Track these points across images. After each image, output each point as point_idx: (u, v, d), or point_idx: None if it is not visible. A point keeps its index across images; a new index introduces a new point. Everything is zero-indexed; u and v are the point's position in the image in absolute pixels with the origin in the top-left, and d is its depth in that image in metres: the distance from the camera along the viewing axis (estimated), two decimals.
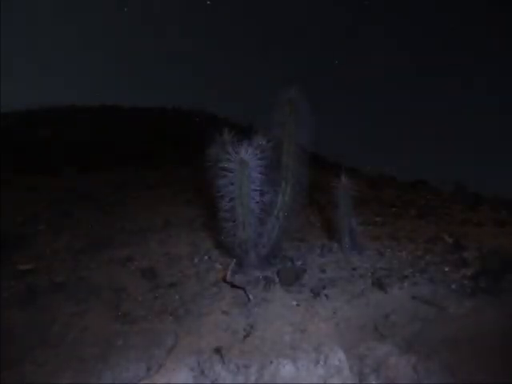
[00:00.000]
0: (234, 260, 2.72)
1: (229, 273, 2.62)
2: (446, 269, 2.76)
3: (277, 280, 2.65)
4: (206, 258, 3.15)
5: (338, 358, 1.90)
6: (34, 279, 2.77)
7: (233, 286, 2.59)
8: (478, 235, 3.56)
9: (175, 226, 4.03)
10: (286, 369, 1.84)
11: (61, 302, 2.48)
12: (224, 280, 2.64)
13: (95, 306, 2.44)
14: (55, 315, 2.34)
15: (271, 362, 1.87)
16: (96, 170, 7.41)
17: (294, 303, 2.40)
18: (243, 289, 2.51)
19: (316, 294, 2.49)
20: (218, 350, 1.96)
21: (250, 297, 2.42)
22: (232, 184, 2.51)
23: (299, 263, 2.94)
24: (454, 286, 2.48)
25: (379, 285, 2.52)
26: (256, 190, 2.55)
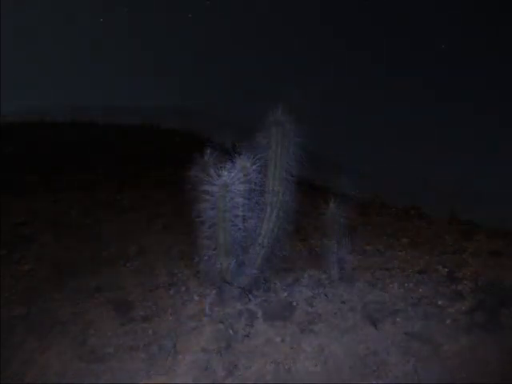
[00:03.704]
0: (214, 291, 2.69)
1: (207, 306, 2.59)
2: (440, 302, 2.79)
3: (260, 313, 2.63)
4: (183, 288, 3.10)
5: None
6: None
7: (212, 319, 2.56)
8: (473, 266, 3.62)
9: (151, 253, 3.98)
10: None
11: (21, 336, 2.41)
12: (202, 313, 2.61)
13: (59, 342, 2.37)
14: (14, 351, 2.26)
15: None
16: (65, 189, 7.31)
17: (279, 339, 2.38)
18: (223, 323, 2.48)
19: (302, 329, 2.47)
20: None
21: (231, 332, 2.39)
22: (213, 208, 2.51)
23: (284, 295, 2.92)
24: (448, 321, 2.50)
25: (370, 320, 2.52)
26: (239, 216, 2.56)
